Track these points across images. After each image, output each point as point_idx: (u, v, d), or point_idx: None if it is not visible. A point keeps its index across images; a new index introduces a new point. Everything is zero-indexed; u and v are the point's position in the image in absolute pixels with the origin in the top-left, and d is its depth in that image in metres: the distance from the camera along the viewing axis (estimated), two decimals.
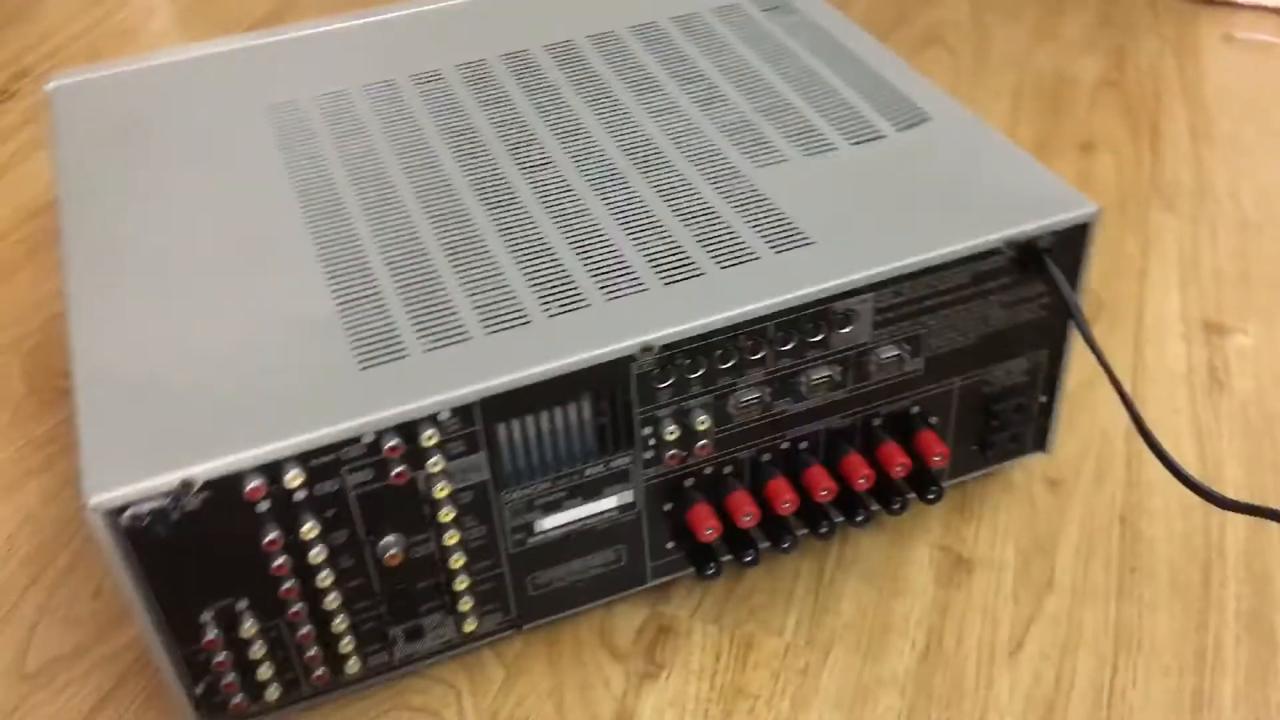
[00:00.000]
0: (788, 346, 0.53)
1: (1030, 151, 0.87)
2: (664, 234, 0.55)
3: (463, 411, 0.48)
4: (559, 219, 0.56)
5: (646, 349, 0.50)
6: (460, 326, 0.51)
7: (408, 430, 0.48)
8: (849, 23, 0.71)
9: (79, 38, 1.14)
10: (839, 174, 0.58)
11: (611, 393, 0.51)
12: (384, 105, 0.66)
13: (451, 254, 0.55)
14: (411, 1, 0.76)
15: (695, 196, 0.57)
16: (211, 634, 0.49)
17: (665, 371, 0.51)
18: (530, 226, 0.56)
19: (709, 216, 0.56)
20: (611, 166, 0.60)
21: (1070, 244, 0.55)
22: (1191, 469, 0.64)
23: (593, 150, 0.61)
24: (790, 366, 0.54)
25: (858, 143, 0.60)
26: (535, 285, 0.53)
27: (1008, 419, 0.61)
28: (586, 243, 0.55)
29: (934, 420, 0.59)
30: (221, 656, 0.50)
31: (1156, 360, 0.71)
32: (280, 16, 1.15)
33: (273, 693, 0.53)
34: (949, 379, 0.58)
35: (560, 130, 0.63)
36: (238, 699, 0.52)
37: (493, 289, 0.53)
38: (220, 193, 0.60)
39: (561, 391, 0.50)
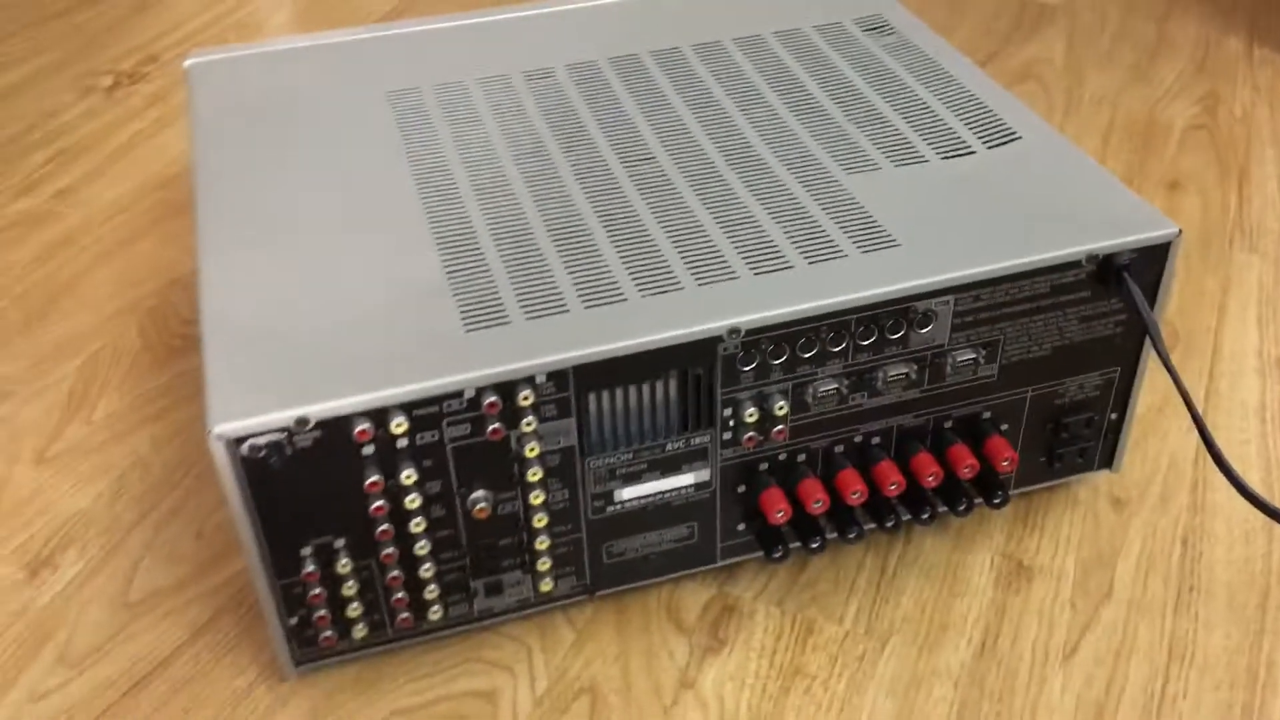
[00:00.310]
0: (867, 341, 0.55)
1: None
2: (757, 228, 0.58)
3: (557, 377, 0.52)
4: (657, 210, 0.60)
5: (733, 331, 0.53)
6: (560, 300, 0.54)
7: (506, 389, 0.51)
8: (947, 45, 0.74)
9: (206, 29, 1.20)
10: (927, 184, 0.61)
11: (697, 372, 0.54)
12: (497, 97, 0.70)
13: (555, 234, 0.58)
14: (527, 5, 0.80)
15: (788, 196, 0.60)
16: (310, 567, 0.53)
17: (749, 355, 0.54)
18: (630, 214, 0.59)
19: (800, 215, 0.59)
20: (710, 165, 0.63)
21: (1150, 264, 0.57)
22: None
23: (693, 149, 0.64)
24: (868, 361, 0.56)
25: (947, 156, 0.63)
26: (632, 268, 0.56)
27: (1077, 433, 0.62)
28: (682, 232, 0.58)
29: (1005, 427, 0.61)
30: (317, 590, 0.54)
31: (1230, 392, 0.73)
32: (399, 14, 1.20)
33: (360, 631, 0.56)
34: (1022, 388, 0.60)
35: (663, 129, 0.66)
36: (328, 633, 0.55)
37: (592, 269, 0.56)
38: (342, 168, 0.64)
39: (650, 367, 0.53)
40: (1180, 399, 0.72)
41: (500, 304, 0.54)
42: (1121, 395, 0.62)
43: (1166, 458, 0.68)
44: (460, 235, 0.59)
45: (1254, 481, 0.67)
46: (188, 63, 0.75)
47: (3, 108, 1.07)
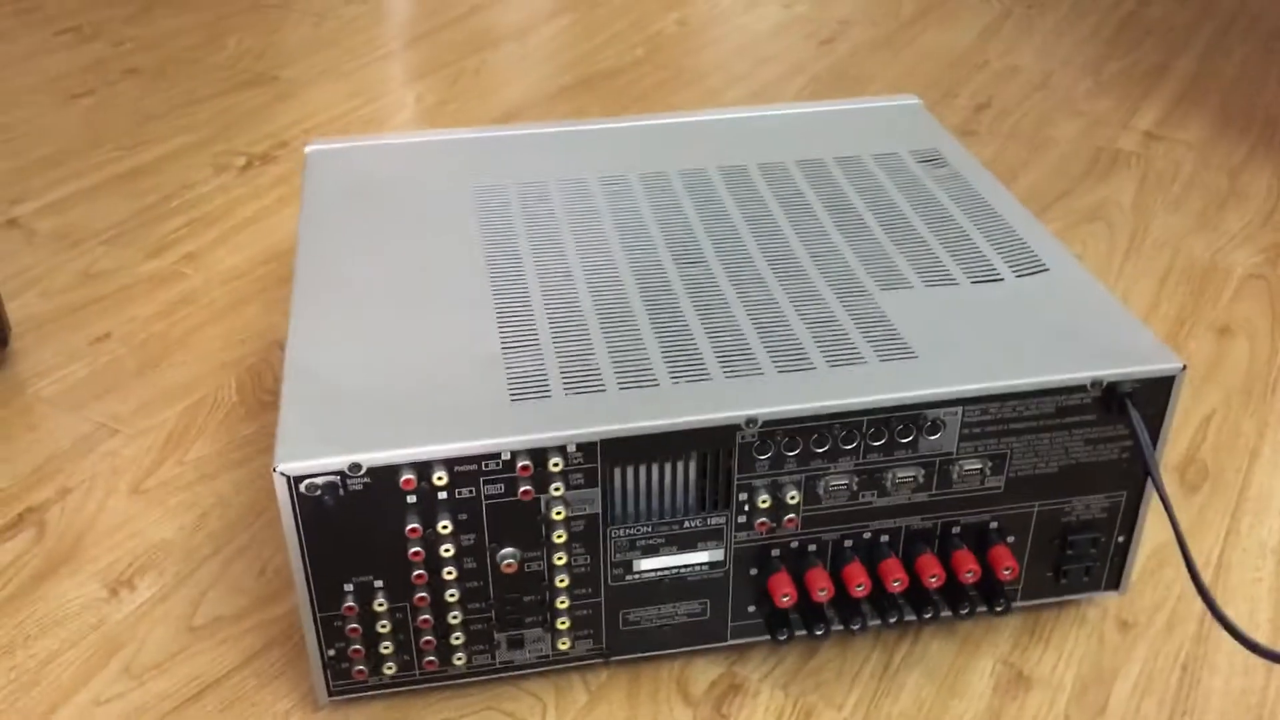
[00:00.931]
0: (878, 443, 0.60)
1: (1166, 328, 0.92)
2: (788, 331, 0.63)
3: (587, 448, 0.57)
4: (700, 307, 0.65)
5: (751, 421, 0.58)
6: (599, 379, 0.60)
7: (538, 455, 0.57)
8: (995, 181, 0.79)
9: (334, 120, 1.31)
10: (954, 305, 0.65)
11: (716, 456, 0.59)
12: (573, 197, 0.77)
13: (603, 321, 0.64)
14: (612, 119, 0.88)
15: (821, 305, 0.65)
16: (350, 603, 0.59)
17: (765, 445, 0.59)
18: (674, 309, 0.65)
19: (829, 323, 0.64)
20: (755, 272, 0.69)
21: (1154, 395, 0.61)
22: (1261, 633, 0.67)
23: (742, 257, 0.70)
24: (879, 462, 0.60)
25: (977, 282, 0.68)
26: (669, 356, 0.61)
27: (1083, 551, 0.65)
28: (719, 329, 0.64)
29: (1011, 539, 0.64)
30: (354, 625, 0.59)
31: (1249, 531, 0.75)
32: (512, 118, 1.30)
33: (390, 668, 0.61)
34: (1028, 501, 0.63)
35: (718, 237, 0.72)
36: (360, 667, 0.61)
37: (632, 354, 0.62)
38: (426, 251, 0.71)
39: (673, 447, 0.58)
40: (1193, 533, 0.75)
41: (545, 379, 0.60)
42: (1128, 519, 0.65)
43: (1179, 587, 0.71)
44: (519, 316, 0.65)
45: (1260, 615, 0.69)
46: (309, 149, 0.84)
47: (149, 178, 1.18)
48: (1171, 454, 0.81)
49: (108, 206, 1.13)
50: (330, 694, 0.62)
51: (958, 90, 1.36)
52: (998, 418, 0.60)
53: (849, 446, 0.60)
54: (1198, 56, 1.44)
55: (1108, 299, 0.66)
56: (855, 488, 0.61)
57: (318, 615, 0.59)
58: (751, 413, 0.58)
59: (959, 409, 0.60)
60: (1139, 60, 1.43)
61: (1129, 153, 1.21)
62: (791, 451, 0.59)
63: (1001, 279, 0.68)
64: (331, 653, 0.61)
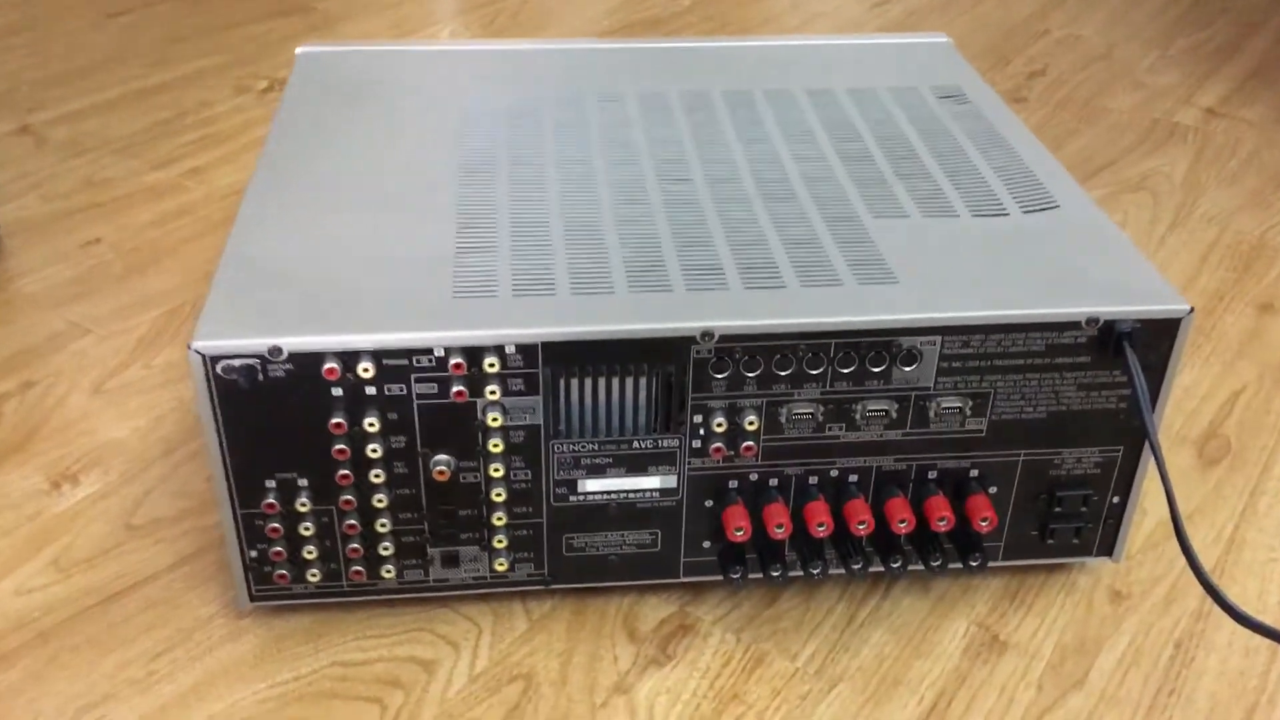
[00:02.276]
0: (847, 370, 0.55)
1: (1204, 301, 0.86)
2: (764, 249, 0.59)
3: (526, 350, 0.53)
4: (675, 222, 0.61)
5: (707, 335, 0.53)
6: (550, 284, 0.56)
7: (474, 355, 0.53)
8: (1017, 120, 0.73)
9: None
10: (950, 237, 0.60)
11: (669, 372, 0.54)
12: (566, 114, 0.73)
13: (569, 229, 0.60)
14: (616, 40, 0.83)
15: (805, 228, 0.61)
16: (271, 499, 0.55)
17: (722, 363, 0.54)
18: (647, 222, 0.61)
19: (810, 245, 0.59)
20: (742, 192, 0.64)
21: (1157, 339, 0.55)
22: (1271, 615, 0.61)
23: (730, 176, 0.65)
24: (848, 391, 0.56)
25: (980, 215, 0.62)
26: (631, 268, 0.57)
27: (1073, 510, 0.60)
28: (690, 243, 0.59)
29: (993, 491, 0.59)
30: (276, 524, 0.56)
31: (1268, 510, 0.68)
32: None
33: (314, 575, 0.58)
34: (1013, 449, 0.58)
35: (709, 158, 0.68)
36: (282, 571, 0.57)
37: (591, 262, 0.58)
38: (398, 155, 0.67)
39: (622, 357, 0.54)
40: (1207, 507, 0.69)
41: (494, 280, 0.56)
42: (1124, 479, 0.59)
43: (1184, 562, 0.65)
44: (481, 222, 0.61)
45: (1271, 596, 0.63)
46: (300, 50, 0.81)
47: (167, 95, 1.16)
48: (1193, 426, 0.75)
49: (122, 120, 1.11)
50: (252, 598, 0.59)
51: (1011, 56, 1.29)
52: (981, 352, 0.55)
53: (815, 371, 0.55)
54: (1272, 37, 1.36)
55: (1119, 238, 0.61)
56: (821, 419, 0.56)
57: (238, 512, 0.56)
58: (708, 324, 0.53)
59: (937, 339, 0.55)
60: (1210, 38, 1.36)
61: (1187, 127, 1.14)
62: (751, 372, 0.55)
63: (1007, 214, 0.63)
64: (253, 554, 0.57)
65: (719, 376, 0.55)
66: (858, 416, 0.56)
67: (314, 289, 0.55)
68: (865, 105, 0.75)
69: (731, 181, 0.65)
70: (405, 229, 0.60)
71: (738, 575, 0.59)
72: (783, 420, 0.56)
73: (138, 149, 1.06)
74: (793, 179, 0.66)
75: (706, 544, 0.60)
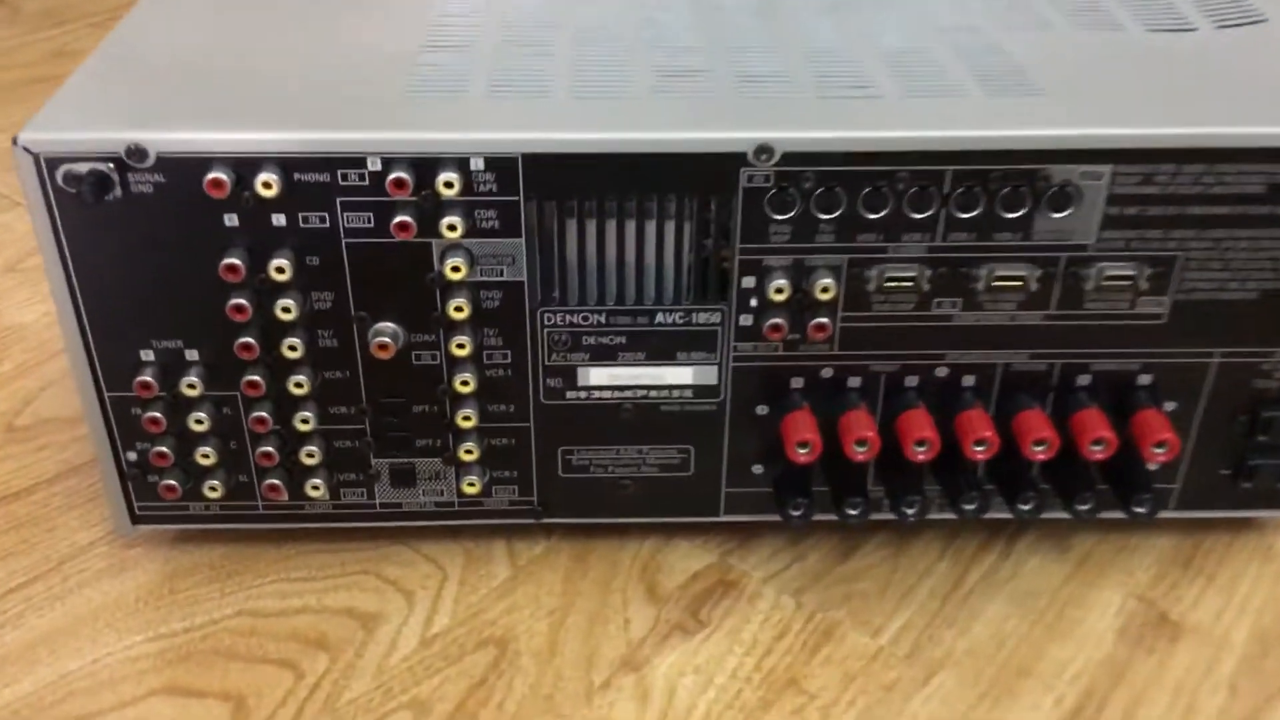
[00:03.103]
0: (969, 214, 0.38)
1: None
2: (849, 60, 0.42)
3: (500, 166, 0.36)
4: (728, 26, 0.44)
5: (764, 150, 0.36)
6: (543, 84, 0.39)
7: (424, 169, 0.36)
8: None
9: None
10: (1110, 51, 0.43)
11: (708, 207, 0.38)
12: None
13: (580, 32, 0.44)
14: None
15: (906, 36, 0.44)
16: (146, 377, 0.39)
17: (785, 196, 0.37)
18: (686, 27, 0.44)
19: (915, 54, 0.42)
20: None
21: None
22: None
23: None
24: (968, 247, 0.38)
25: (1155, 30, 0.45)
26: (660, 70, 0.40)
27: None
28: (744, 48, 0.42)
29: (1171, 407, 0.41)
30: (155, 413, 0.40)
31: None
32: None
33: (214, 489, 0.42)
34: (1205, 346, 0.40)
35: None
36: (170, 481, 0.42)
37: (604, 62, 0.41)
38: None
39: (640, 184, 0.37)
40: None
41: (465, 79, 0.40)
42: None
43: None
44: (461, 20, 0.45)
45: None
46: None
47: None
48: None
49: None
50: (134, 519, 0.43)
51: None
52: (1166, 192, 0.37)
53: (921, 215, 0.38)
54: None
55: None
56: (928, 287, 0.39)
57: (105, 395, 0.40)
58: (766, 135, 0.36)
59: (1106, 169, 0.37)
60: None
61: None
62: (827, 212, 0.37)
63: (1194, 28, 0.45)
64: (130, 456, 0.42)
65: (780, 218, 0.38)
66: (980, 286, 0.39)
67: (206, 81, 0.39)
68: None
69: None
70: (366, 30, 0.44)
71: (800, 513, 0.42)
72: (870, 288, 0.39)
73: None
74: None
75: (758, 468, 0.43)
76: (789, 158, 0.36)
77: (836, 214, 0.37)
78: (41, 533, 0.46)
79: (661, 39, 0.43)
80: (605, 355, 0.40)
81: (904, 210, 0.37)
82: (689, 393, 0.41)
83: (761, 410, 0.41)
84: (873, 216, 0.38)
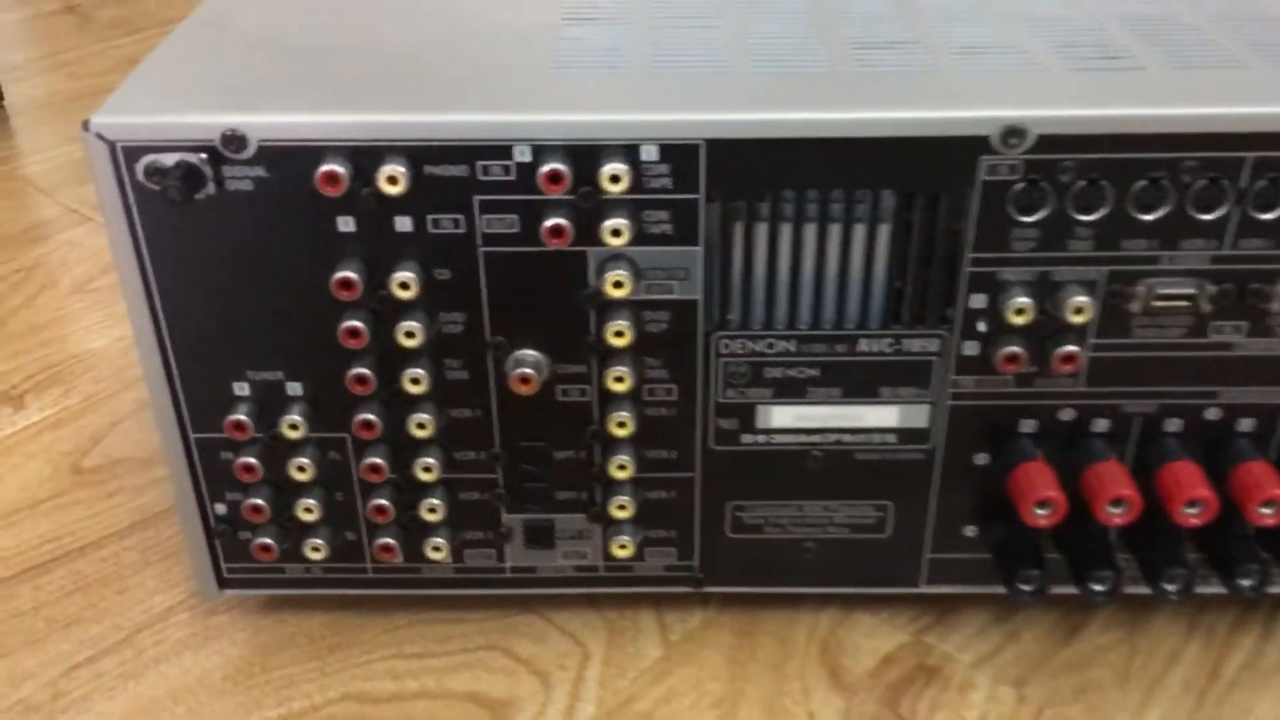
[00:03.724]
0: (1271, 214, 0.30)
1: None
2: (1096, 29, 0.34)
3: (678, 155, 0.29)
4: None
5: (1014, 133, 0.29)
6: (717, 57, 0.32)
7: (583, 157, 0.29)
8: None
9: None
10: None
11: (934, 206, 0.30)
12: None
13: (750, 5, 0.36)
14: None
15: (1157, 4, 0.36)
16: (240, 415, 0.33)
17: (1035, 190, 0.30)
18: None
19: (1169, 20, 0.34)
20: None
21: None
22: None
23: None
24: (1263, 254, 0.30)
25: None
26: (859, 41, 0.33)
27: None
28: (965, 17, 0.35)
29: None
30: (251, 459, 0.33)
31: None
32: None
33: (318, 549, 0.35)
34: None
35: None
36: (265, 540, 0.35)
37: (790, 36, 0.34)
38: None
39: (847, 174, 0.30)
40: None
41: (618, 53, 0.33)
42: None
43: None
44: None
45: None
46: None
47: None
48: None
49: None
50: (222, 583, 0.36)
51: None
52: None
53: (1209, 215, 0.30)
54: None
55: None
56: (1208, 307, 0.31)
57: (190, 436, 0.34)
58: (1017, 115, 0.29)
59: None
60: None
61: None
62: (1089, 211, 0.30)
63: None
64: (219, 510, 0.35)
65: (1027, 220, 0.30)
66: (1275, 308, 0.31)
67: (315, 57, 0.32)
68: None
69: None
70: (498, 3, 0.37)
71: (1032, 588, 0.34)
72: (1134, 308, 0.31)
73: None
74: None
75: (970, 531, 0.35)
76: (1045, 143, 0.29)
77: (1099, 214, 0.30)
78: (112, 595, 0.39)
79: (846, 9, 0.36)
80: (792, 391, 0.33)
81: (1186, 209, 0.30)
82: (892, 437, 0.33)
83: (981, 460, 0.34)
84: (1146, 218, 0.30)
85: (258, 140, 0.29)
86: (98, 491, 0.44)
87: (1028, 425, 0.33)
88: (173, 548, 0.41)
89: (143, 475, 0.44)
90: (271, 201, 0.30)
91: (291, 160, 0.29)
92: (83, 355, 0.51)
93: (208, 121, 0.29)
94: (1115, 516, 0.32)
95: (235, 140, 0.29)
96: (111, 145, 0.29)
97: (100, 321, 0.53)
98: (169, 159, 0.29)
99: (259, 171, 0.29)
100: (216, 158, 0.29)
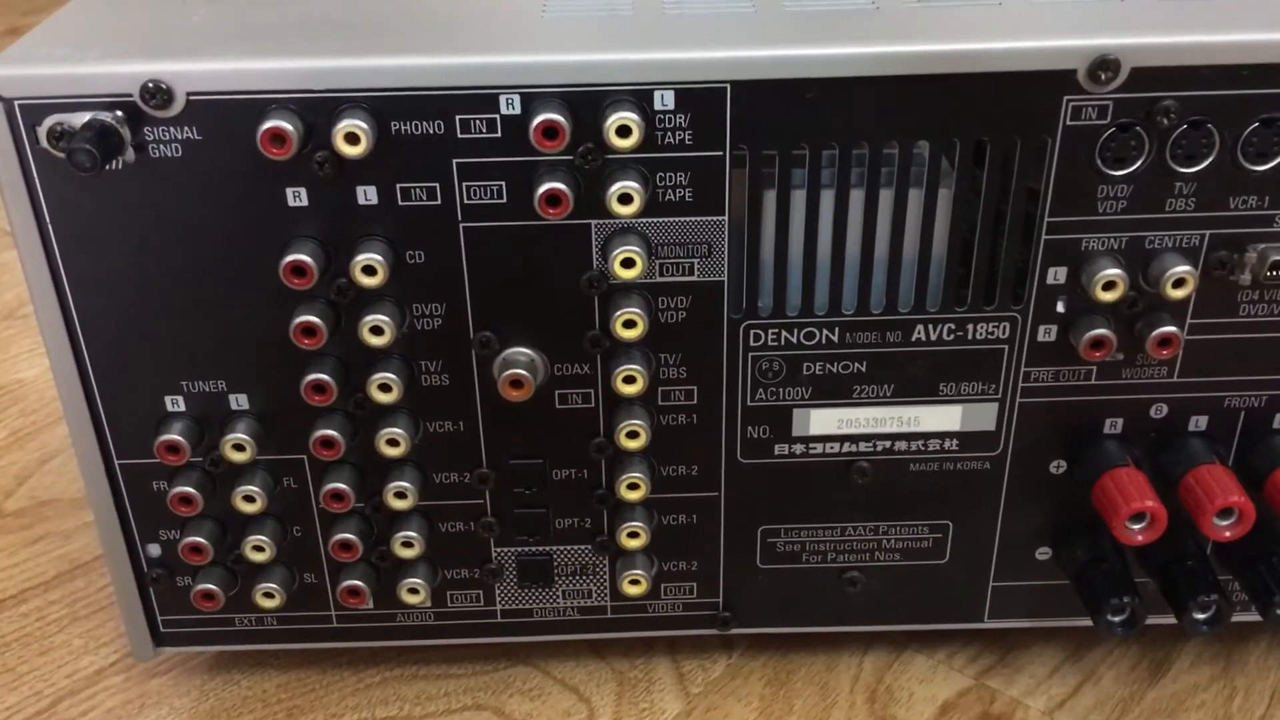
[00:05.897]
0: None
1: None
2: None
3: (700, 102, 0.24)
4: None
5: (1104, 65, 0.24)
6: None
7: (582, 107, 0.24)
8: None
9: None
10: None
11: (1004, 160, 0.25)
12: None
13: None
14: None
15: None
16: (172, 433, 0.27)
17: (1128, 139, 0.25)
18: None
19: None
20: None
21: None
22: None
23: None
24: None
25: None
26: None
27: None
28: None
29: None
30: (188, 487, 0.28)
31: None
32: None
33: (270, 596, 0.29)
34: None
35: None
36: (208, 587, 0.29)
37: None
38: None
39: (900, 122, 0.25)
40: None
41: None
42: None
43: None
44: None
45: None
46: None
47: None
48: None
49: None
50: (158, 639, 0.31)
51: None
52: None
53: None
54: None
55: None
56: None
57: (113, 461, 0.28)
58: (1108, 44, 0.24)
59: None
60: None
61: None
62: (1193, 162, 0.25)
63: None
64: (152, 550, 0.29)
65: (1119, 173, 0.25)
66: None
67: (277, 8, 0.27)
68: None
69: None
70: None
71: (1124, 619, 0.28)
72: (1242, 279, 0.26)
73: None
74: None
75: (1043, 553, 0.30)
76: (1140, 78, 0.24)
77: (1205, 164, 0.25)
78: (32, 657, 0.33)
79: None
80: (835, 391, 0.28)
81: None
82: (954, 443, 0.28)
83: (1057, 468, 0.29)
84: (1259, 168, 0.25)
85: (186, 93, 0.24)
86: (21, 538, 0.38)
87: (1113, 425, 0.28)
88: (105, 599, 0.35)
89: (73, 518, 0.39)
90: (204, 169, 0.24)
91: (228, 117, 0.24)
92: (10, 386, 0.45)
93: (124, 71, 0.24)
94: (1224, 530, 0.27)
95: (158, 93, 0.24)
96: (8, 104, 0.24)
97: (31, 349, 0.48)
98: (77, 118, 0.24)
99: (188, 132, 0.24)
100: (135, 115, 0.24)
